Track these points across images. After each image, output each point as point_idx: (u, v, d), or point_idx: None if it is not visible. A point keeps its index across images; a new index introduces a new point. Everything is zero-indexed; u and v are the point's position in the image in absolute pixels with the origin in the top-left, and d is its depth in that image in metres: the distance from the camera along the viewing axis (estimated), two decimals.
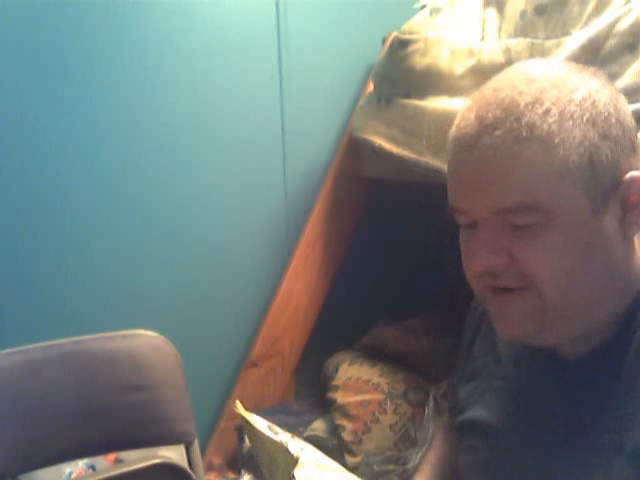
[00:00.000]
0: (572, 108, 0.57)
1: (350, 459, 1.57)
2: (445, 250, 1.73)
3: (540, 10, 1.28)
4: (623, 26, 1.08)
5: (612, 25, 1.10)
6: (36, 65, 1.54)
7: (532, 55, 1.26)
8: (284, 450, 0.60)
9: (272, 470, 0.63)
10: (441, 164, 1.32)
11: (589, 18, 1.17)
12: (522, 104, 0.58)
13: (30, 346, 1.18)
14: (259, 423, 0.67)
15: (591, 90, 0.59)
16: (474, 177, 0.60)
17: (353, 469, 1.57)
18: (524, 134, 0.57)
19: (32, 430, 1.14)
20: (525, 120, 0.57)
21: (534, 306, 0.61)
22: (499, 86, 0.61)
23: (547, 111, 0.57)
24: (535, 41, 1.26)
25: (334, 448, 1.61)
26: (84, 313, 1.65)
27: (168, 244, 1.75)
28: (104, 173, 1.65)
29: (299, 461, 0.57)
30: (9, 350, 1.17)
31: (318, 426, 1.70)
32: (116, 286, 1.70)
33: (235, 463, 1.81)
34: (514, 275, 0.61)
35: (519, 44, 1.29)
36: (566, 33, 1.21)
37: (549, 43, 1.23)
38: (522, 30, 1.31)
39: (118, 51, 1.61)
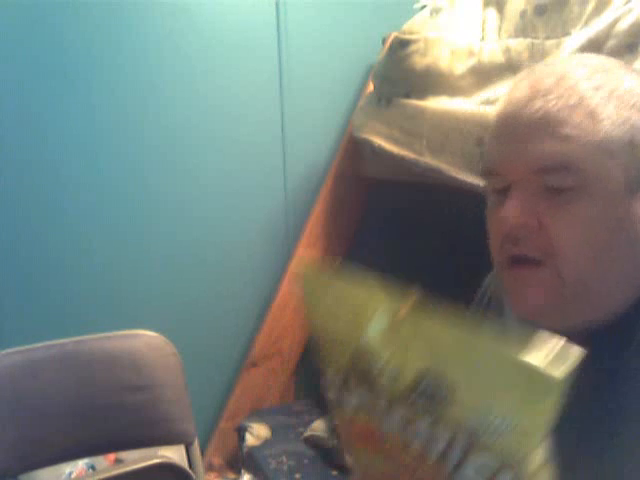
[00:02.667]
0: (620, 92, 0.61)
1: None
2: (445, 249, 1.73)
3: (540, 10, 1.28)
4: (623, 26, 1.08)
5: (612, 25, 1.10)
6: (36, 65, 1.54)
7: (532, 55, 1.26)
8: (390, 289, 0.51)
9: (358, 327, 0.51)
10: (441, 164, 1.32)
11: (589, 18, 1.17)
12: (576, 77, 0.61)
13: (30, 346, 1.18)
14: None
15: (638, 83, 0.63)
16: (520, 133, 0.61)
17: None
18: (574, 101, 0.60)
19: (32, 430, 1.14)
20: (577, 89, 0.60)
21: (551, 282, 0.61)
22: (552, 64, 0.66)
23: (598, 87, 0.60)
24: (535, 41, 1.26)
25: (334, 448, 1.61)
26: (84, 313, 1.65)
27: (168, 244, 1.75)
28: (104, 173, 1.65)
29: (414, 298, 0.49)
30: (9, 350, 1.17)
31: (318, 426, 1.70)
32: (116, 286, 1.70)
33: (235, 463, 1.81)
34: (536, 244, 0.61)
35: (519, 44, 1.29)
36: (566, 33, 1.21)
37: (549, 43, 1.23)
38: (522, 30, 1.31)
39: (118, 51, 1.61)
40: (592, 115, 0.59)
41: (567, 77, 0.61)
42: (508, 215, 0.61)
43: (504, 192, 0.63)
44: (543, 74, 0.63)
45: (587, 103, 0.59)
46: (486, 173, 0.66)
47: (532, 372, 0.42)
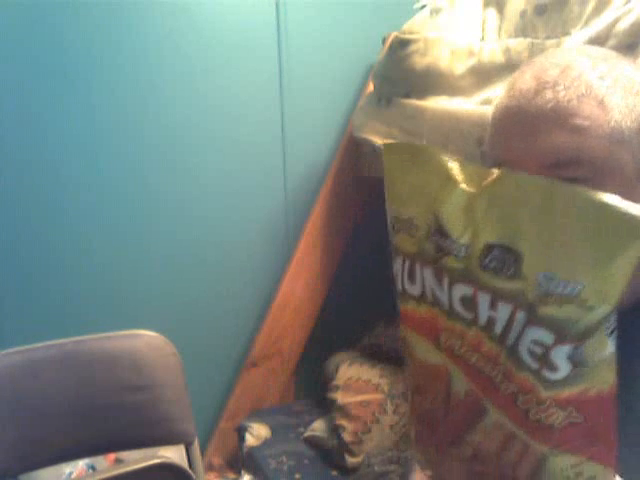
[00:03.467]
0: (623, 80, 0.61)
1: (350, 459, 1.57)
2: None
3: (540, 10, 1.28)
4: (623, 26, 1.08)
5: (612, 25, 1.10)
6: (36, 65, 1.54)
7: (532, 55, 1.26)
8: (474, 165, 0.50)
9: (446, 190, 0.51)
10: None
11: (589, 18, 1.17)
12: (580, 66, 0.61)
13: (30, 346, 1.18)
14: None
15: (637, 71, 0.63)
16: (532, 127, 0.60)
17: (353, 469, 1.57)
18: (583, 91, 0.59)
19: (32, 430, 1.14)
20: (584, 79, 0.59)
21: None
22: (552, 55, 0.64)
23: (603, 77, 0.60)
24: (535, 41, 1.26)
25: (334, 448, 1.61)
26: (84, 313, 1.65)
27: (168, 244, 1.75)
28: (104, 173, 1.65)
29: (500, 169, 0.49)
30: (9, 350, 1.17)
31: (318, 426, 1.70)
32: (116, 286, 1.70)
33: (235, 463, 1.81)
34: None
35: (519, 44, 1.29)
36: (566, 33, 1.21)
37: (549, 43, 1.23)
38: (522, 30, 1.31)
39: (118, 51, 1.61)
40: (601, 104, 0.59)
41: (571, 67, 0.61)
42: None
43: None
44: (546, 65, 0.62)
45: (595, 93, 0.59)
46: (493, 167, 0.66)
47: (617, 213, 0.41)
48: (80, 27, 1.57)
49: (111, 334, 1.23)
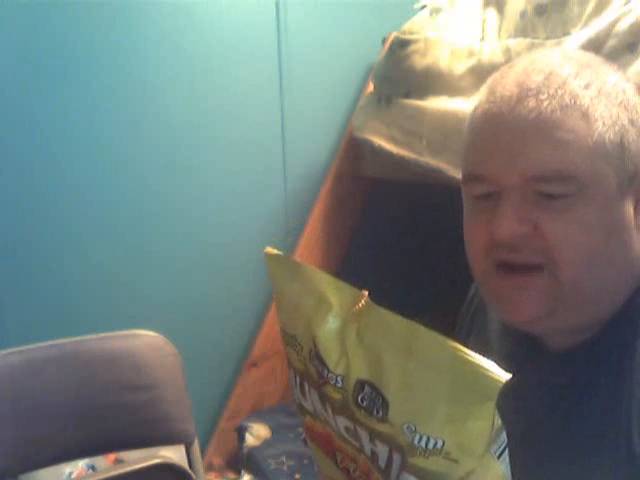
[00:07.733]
0: (608, 88, 0.59)
1: None
2: (444, 249, 1.73)
3: (540, 10, 1.28)
4: (623, 26, 1.08)
5: (612, 25, 1.10)
6: (36, 65, 1.54)
7: None
8: (344, 287, 0.49)
9: (319, 314, 0.50)
10: (441, 164, 1.32)
11: (589, 18, 1.17)
12: (564, 73, 0.58)
13: (30, 346, 1.18)
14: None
15: (620, 78, 0.61)
16: (514, 138, 0.58)
17: None
18: (567, 102, 0.57)
19: (32, 430, 1.14)
20: (568, 88, 0.57)
21: (548, 287, 0.59)
22: (535, 59, 0.61)
23: (587, 85, 0.57)
24: (535, 41, 1.26)
25: None
26: (84, 313, 1.65)
27: (168, 244, 1.75)
28: (104, 173, 1.65)
29: (366, 296, 0.47)
30: (9, 350, 1.17)
31: None
32: (116, 286, 1.69)
33: (235, 463, 1.81)
34: (535, 249, 0.59)
35: (519, 44, 1.29)
36: (566, 33, 1.21)
37: (549, 43, 1.24)
38: (522, 30, 1.31)
39: (118, 51, 1.61)
40: (585, 116, 0.57)
41: (555, 73, 0.58)
42: (504, 224, 0.58)
43: (488, 197, 0.61)
44: (529, 70, 0.59)
45: (580, 103, 0.57)
46: (471, 179, 0.62)
47: (473, 371, 0.39)
48: (80, 27, 1.57)
49: (111, 334, 1.23)
